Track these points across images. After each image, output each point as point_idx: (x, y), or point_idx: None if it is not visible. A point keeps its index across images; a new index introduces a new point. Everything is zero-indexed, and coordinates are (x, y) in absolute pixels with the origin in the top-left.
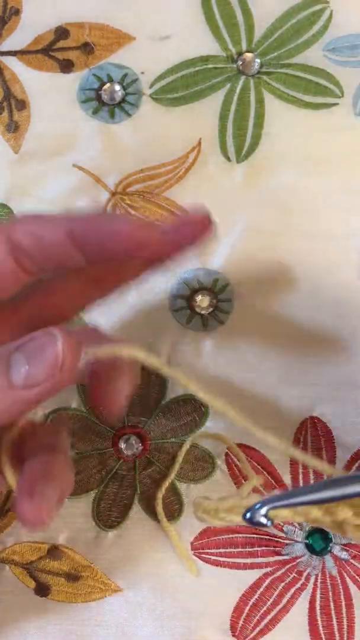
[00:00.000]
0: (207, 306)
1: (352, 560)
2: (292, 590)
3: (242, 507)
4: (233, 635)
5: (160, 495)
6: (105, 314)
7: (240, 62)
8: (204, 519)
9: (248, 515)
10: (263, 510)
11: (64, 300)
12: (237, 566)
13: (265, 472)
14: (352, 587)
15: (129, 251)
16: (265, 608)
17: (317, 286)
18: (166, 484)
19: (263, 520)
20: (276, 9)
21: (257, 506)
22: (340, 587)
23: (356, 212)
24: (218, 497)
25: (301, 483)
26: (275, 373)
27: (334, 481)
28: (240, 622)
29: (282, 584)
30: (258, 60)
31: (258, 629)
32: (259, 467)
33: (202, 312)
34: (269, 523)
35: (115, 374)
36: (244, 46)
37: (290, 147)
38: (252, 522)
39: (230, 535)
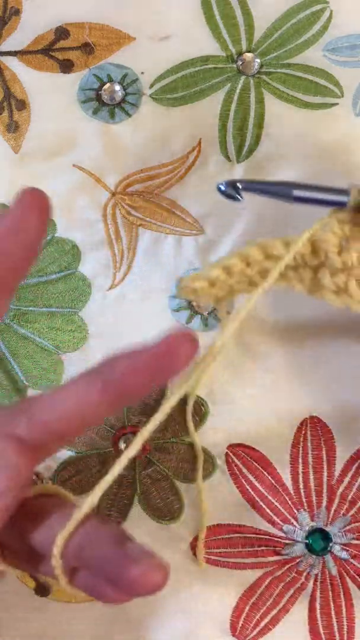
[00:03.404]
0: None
1: (352, 560)
2: (292, 590)
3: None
4: (233, 635)
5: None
6: (104, 314)
7: (240, 62)
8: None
9: (223, 186)
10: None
11: None
12: (237, 566)
13: (265, 472)
14: (352, 587)
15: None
16: (265, 608)
17: None
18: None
19: (234, 193)
20: (276, 9)
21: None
22: (340, 586)
23: None
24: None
25: (301, 483)
26: (275, 372)
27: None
28: (240, 622)
29: (282, 583)
30: (258, 60)
31: (258, 628)
32: (259, 467)
33: (202, 312)
34: (240, 198)
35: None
36: (244, 46)
37: (290, 147)
38: (224, 192)
39: (230, 535)
